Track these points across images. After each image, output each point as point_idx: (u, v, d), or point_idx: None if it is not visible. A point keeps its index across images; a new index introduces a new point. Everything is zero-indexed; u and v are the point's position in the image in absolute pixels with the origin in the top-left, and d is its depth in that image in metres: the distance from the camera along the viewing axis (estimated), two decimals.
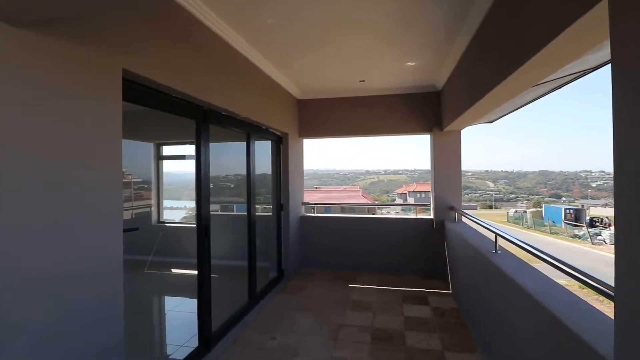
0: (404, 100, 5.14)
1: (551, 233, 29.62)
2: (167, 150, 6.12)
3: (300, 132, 5.53)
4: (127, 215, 5.66)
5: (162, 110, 2.52)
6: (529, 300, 1.90)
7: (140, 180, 5.86)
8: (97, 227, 1.77)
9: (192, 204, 4.03)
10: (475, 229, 4.00)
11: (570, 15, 1.43)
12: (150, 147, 6.02)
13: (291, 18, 2.80)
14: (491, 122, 5.26)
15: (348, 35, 3.15)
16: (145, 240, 5.60)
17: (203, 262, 2.96)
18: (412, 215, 5.64)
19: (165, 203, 6.24)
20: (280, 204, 4.97)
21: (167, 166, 6.14)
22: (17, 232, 1.41)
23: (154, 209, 6.00)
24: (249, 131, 3.92)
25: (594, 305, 1.70)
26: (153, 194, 5.98)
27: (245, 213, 4.02)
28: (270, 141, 4.81)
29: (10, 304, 1.38)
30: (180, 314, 3.98)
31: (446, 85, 4.49)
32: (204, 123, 2.97)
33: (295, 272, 5.21)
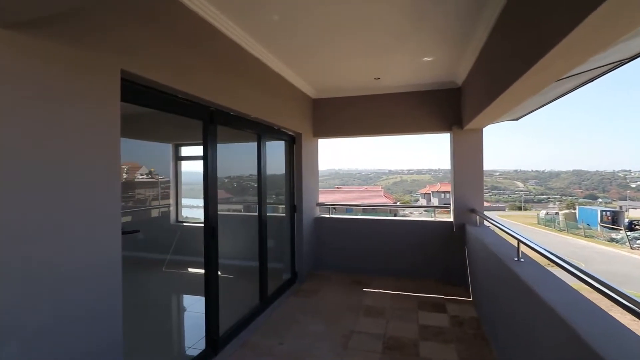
0: (421, 98, 4.94)
1: (586, 236, 27.99)
2: (185, 150, 6.21)
3: (315, 132, 5.44)
4: (154, 213, 5.86)
5: (166, 111, 2.50)
6: (553, 316, 1.72)
7: (167, 179, 6.02)
8: (95, 228, 1.75)
9: None
10: (498, 233, 3.76)
11: None
12: (168, 147, 6.15)
13: (297, 15, 2.71)
14: (517, 119, 4.96)
15: (357, 31, 3.02)
16: (164, 239, 5.71)
17: (210, 264, 2.93)
18: (430, 218, 5.42)
19: (190, 202, 6.34)
20: (294, 205, 4.90)
21: (191, 165, 6.24)
22: (15, 232, 1.41)
23: (172, 208, 6.12)
24: (260, 132, 3.87)
25: (628, 324, 1.50)
26: (172, 193, 6.10)
27: (265, 213, 3.98)
28: (283, 141, 4.75)
29: (7, 304, 1.38)
30: (192, 314, 3.99)
31: (466, 81, 4.26)
32: (211, 124, 2.93)
33: (309, 274, 5.13)
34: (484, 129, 4.65)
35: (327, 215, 5.58)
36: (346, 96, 5.26)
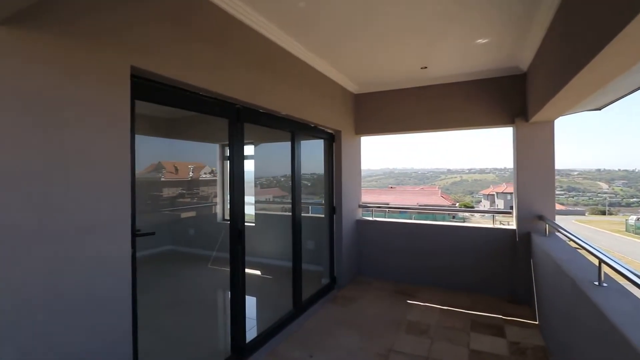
0: (476, 88, 4.35)
1: None
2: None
3: (357, 129, 5.12)
4: (205, 210, 6.07)
5: (189, 109, 2.41)
6: None
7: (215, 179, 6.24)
8: (100, 236, 1.67)
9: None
10: (573, 246, 3.12)
11: None
12: (216, 147, 6.32)
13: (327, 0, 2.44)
14: (599, 108, 4.13)
15: (395, 11, 2.66)
16: (211, 236, 5.88)
17: (236, 269, 2.81)
18: (490, 224, 4.77)
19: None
20: (333, 206, 4.65)
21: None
22: (13, 234, 1.37)
23: (219, 207, 6.28)
24: (294, 129, 3.67)
25: None
26: (218, 192, 6.26)
27: (299, 214, 3.80)
28: (322, 140, 4.52)
29: (4, 308, 1.35)
30: (227, 315, 3.94)
31: (533, 63, 3.61)
32: (237, 122, 2.80)
33: (349, 280, 4.84)
34: (556, 121, 3.94)
35: (370, 218, 5.23)
36: (391, 90, 4.86)
